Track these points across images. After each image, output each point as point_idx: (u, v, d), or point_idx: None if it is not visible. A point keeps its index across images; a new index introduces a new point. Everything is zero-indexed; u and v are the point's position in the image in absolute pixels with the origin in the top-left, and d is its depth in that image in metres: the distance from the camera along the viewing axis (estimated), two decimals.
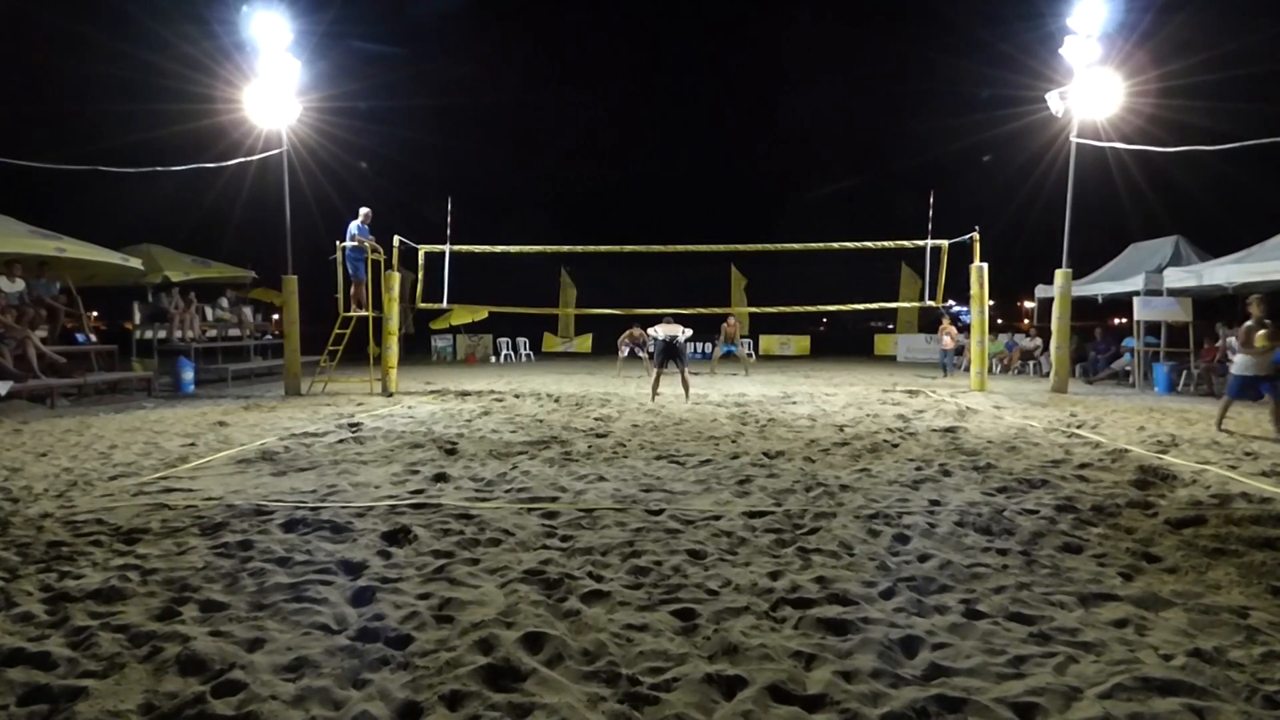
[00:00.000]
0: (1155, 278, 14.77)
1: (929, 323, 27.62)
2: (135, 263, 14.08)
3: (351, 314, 13.56)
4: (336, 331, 13.59)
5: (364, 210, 13.43)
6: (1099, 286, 17.04)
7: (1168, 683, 2.45)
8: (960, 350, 18.70)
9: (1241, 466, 6.28)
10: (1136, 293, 14.83)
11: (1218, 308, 15.55)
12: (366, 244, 13.27)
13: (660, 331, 11.78)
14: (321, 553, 3.84)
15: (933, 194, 14.90)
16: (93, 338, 14.46)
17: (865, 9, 47.26)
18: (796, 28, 46.99)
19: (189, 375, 13.58)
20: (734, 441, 7.60)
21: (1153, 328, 15.02)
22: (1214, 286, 13.75)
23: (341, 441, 7.54)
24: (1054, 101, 13.32)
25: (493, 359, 26.42)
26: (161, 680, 2.50)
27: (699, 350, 24.41)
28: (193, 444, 7.45)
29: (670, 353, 11.63)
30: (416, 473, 5.94)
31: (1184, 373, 14.28)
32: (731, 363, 19.30)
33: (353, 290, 13.56)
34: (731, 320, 18.37)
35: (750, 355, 27.42)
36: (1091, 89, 12.97)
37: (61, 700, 2.37)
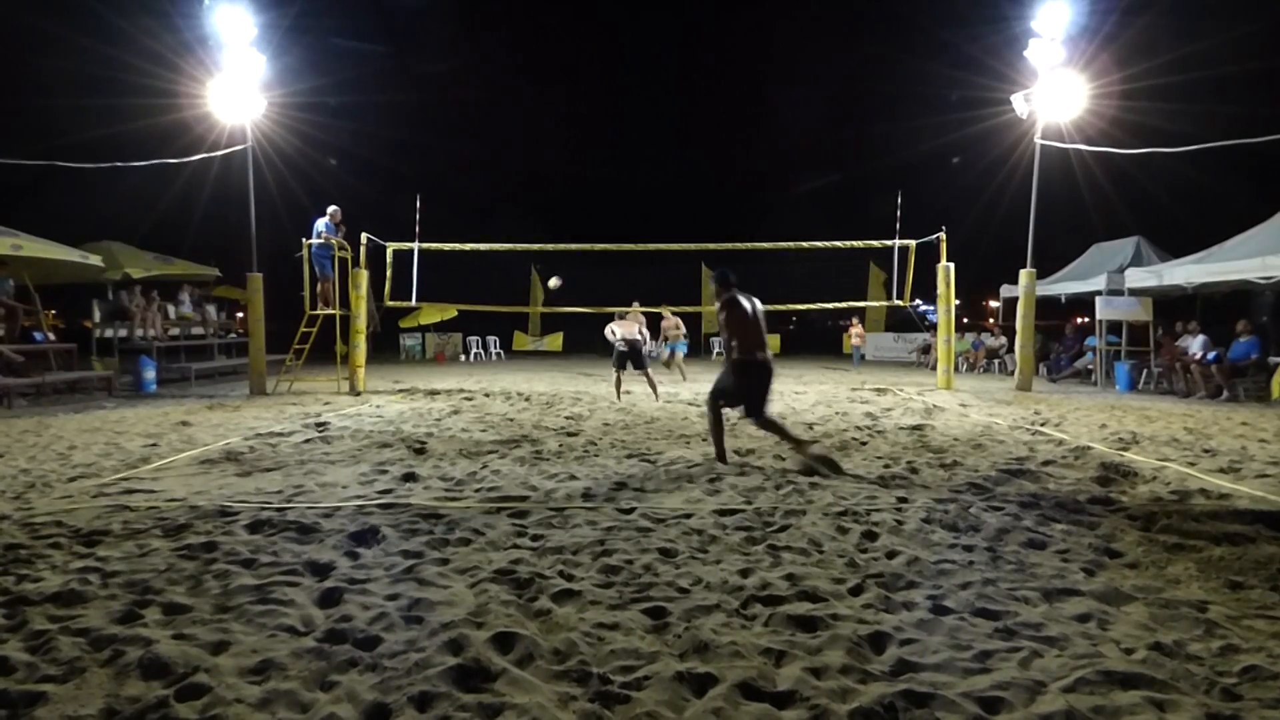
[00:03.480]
0: (1117, 277, 15.08)
1: (896, 322, 27.94)
2: (95, 260, 13.80)
3: (318, 312, 13.40)
4: (303, 330, 13.41)
5: (332, 208, 13.22)
6: (1062, 286, 17.35)
7: (1129, 676, 2.50)
8: (929, 349, 18.97)
9: (1200, 463, 6.42)
10: (1099, 292, 15.12)
11: (1178, 307, 15.88)
12: (334, 241, 13.10)
13: (619, 331, 11.52)
14: (288, 554, 3.79)
15: (900, 195, 15.08)
16: (51, 336, 14.18)
17: (833, 11, 47.57)
18: (766, 30, 47.23)
19: (151, 374, 13.33)
20: (705, 440, 7.61)
21: (1114, 327, 15.33)
22: (1174, 286, 14.05)
23: (308, 441, 7.46)
24: (1019, 103, 13.52)
25: (462, 357, 26.26)
26: (123, 684, 2.45)
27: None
28: (155, 444, 7.32)
29: (629, 355, 11.42)
30: (385, 472, 5.89)
31: (1144, 371, 14.58)
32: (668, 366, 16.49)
33: (319, 288, 13.39)
34: (668, 318, 15.68)
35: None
36: (1055, 91, 13.19)
37: (20, 705, 2.32)
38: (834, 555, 3.84)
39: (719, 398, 6.40)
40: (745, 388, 6.28)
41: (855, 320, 22.79)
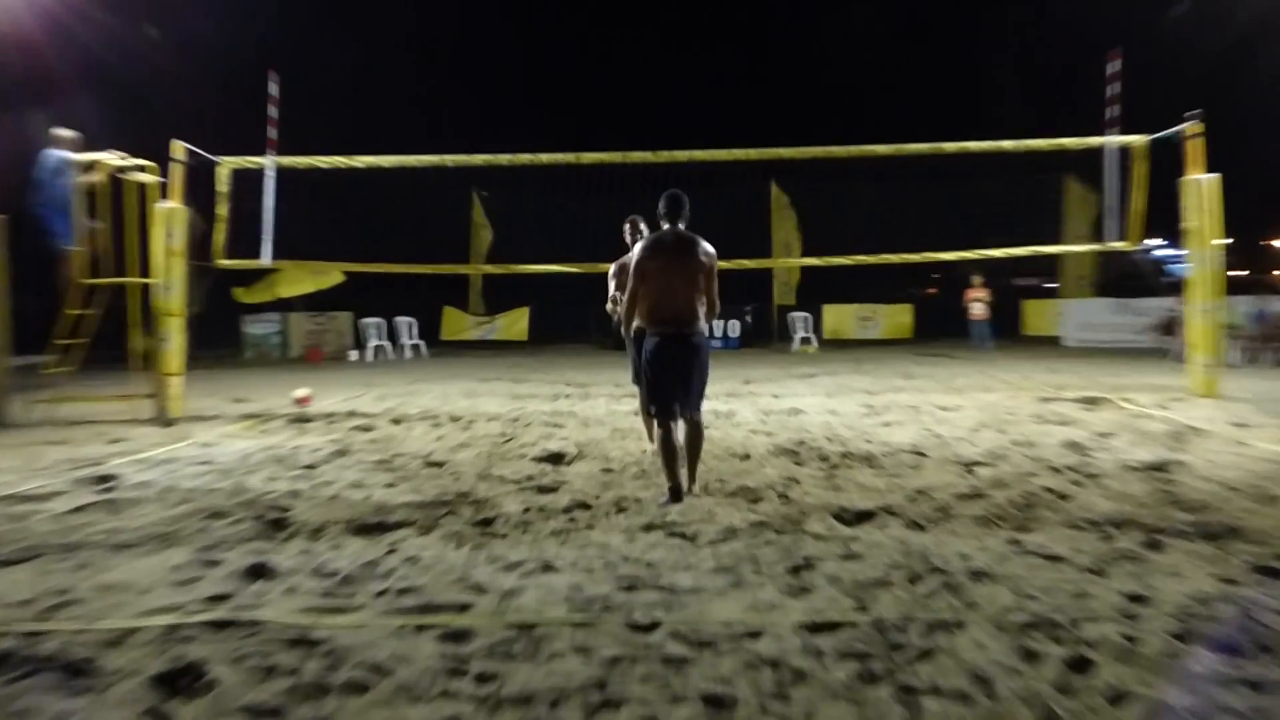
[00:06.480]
0: None
1: (1114, 279, 27.94)
2: None
3: (96, 281, 13.32)
4: (70, 312, 13.36)
5: (67, 132, 13.15)
6: None
7: None
8: (1173, 326, 18.85)
9: None
10: None
11: None
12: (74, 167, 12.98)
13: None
14: None
15: (1120, 57, 14.85)
16: None
17: None
18: None
19: None
20: (783, 494, 7.59)
21: None
22: None
23: (81, 509, 7.48)
24: None
25: (353, 354, 26.37)
26: None
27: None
28: None
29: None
30: (216, 563, 5.89)
31: None
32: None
33: (66, 261, 13.21)
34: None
35: (812, 342, 27.51)
36: None
37: None
38: (1016, 702, 3.76)
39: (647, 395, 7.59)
40: (652, 369, 7.36)
41: (975, 279, 24.90)
